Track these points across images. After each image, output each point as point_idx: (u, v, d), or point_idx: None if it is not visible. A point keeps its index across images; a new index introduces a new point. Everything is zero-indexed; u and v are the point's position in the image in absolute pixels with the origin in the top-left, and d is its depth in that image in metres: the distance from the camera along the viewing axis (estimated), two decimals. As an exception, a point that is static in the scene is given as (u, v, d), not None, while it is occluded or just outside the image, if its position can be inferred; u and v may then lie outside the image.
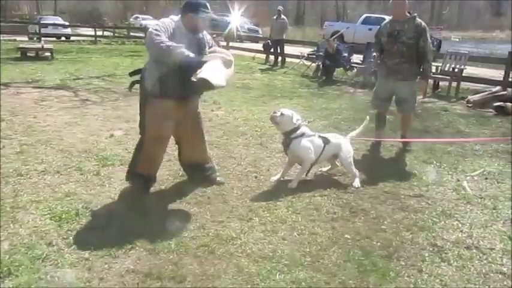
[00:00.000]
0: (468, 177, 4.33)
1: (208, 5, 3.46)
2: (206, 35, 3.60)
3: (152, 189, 3.75)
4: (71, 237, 2.92)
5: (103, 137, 5.22)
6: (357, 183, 3.99)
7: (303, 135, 3.90)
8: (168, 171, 4.19)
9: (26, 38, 20.61)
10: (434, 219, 3.39)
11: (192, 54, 3.21)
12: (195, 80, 3.20)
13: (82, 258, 2.68)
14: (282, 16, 13.49)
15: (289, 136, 3.89)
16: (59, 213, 3.22)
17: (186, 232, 3.05)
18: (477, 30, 44.59)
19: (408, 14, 4.77)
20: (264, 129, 5.83)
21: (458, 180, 4.25)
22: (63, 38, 23.04)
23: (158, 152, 3.61)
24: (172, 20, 3.38)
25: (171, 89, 3.35)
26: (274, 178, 4.06)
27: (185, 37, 3.33)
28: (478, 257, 2.86)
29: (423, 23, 4.73)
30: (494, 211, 3.58)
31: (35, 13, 33.11)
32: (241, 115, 6.62)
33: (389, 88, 4.97)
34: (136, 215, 3.27)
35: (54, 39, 21.78)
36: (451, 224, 3.32)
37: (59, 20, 25.32)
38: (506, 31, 41.34)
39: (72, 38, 23.31)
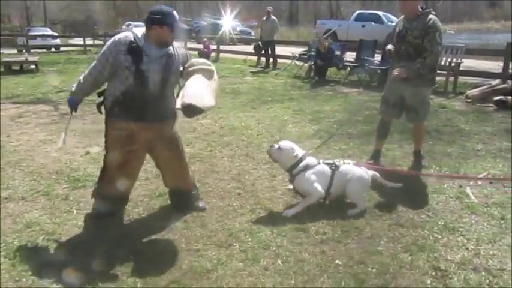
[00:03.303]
0: (471, 182, 3.97)
1: (175, 14, 3.06)
2: (178, 49, 3.17)
3: (125, 212, 3.41)
4: (23, 279, 2.56)
5: (78, 155, 4.87)
6: (354, 211, 3.38)
7: (306, 168, 3.40)
8: (145, 191, 3.85)
9: (15, 51, 20.29)
10: (435, 235, 3.03)
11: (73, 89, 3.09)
12: (179, 108, 2.87)
13: (32, 306, 2.33)
14: (272, 17, 13.16)
15: (291, 172, 3.44)
16: (15, 250, 2.87)
17: (157, 265, 2.69)
18: (472, 22, 44.24)
19: (421, 10, 4.04)
20: (251, 138, 5.48)
21: (461, 186, 3.89)
22: (53, 49, 22.72)
23: (121, 176, 3.22)
24: (133, 34, 3.01)
25: (132, 110, 3.00)
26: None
27: (146, 54, 2.97)
28: (487, 281, 2.51)
29: (433, 20, 3.93)
30: (502, 222, 3.22)
31: (26, 25, 32.77)
32: (228, 123, 6.27)
33: (398, 93, 4.23)
34: (101, 246, 2.92)
35: (44, 50, 21.55)
36: (455, 240, 2.96)
37: (48, 31, 24.97)
38: (501, 21, 40.99)
39: (62, 49, 22.98)
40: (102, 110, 3.17)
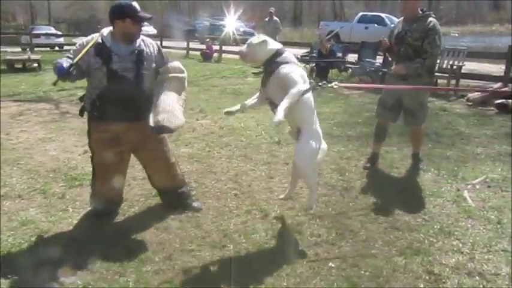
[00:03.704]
0: (469, 186, 3.95)
1: (135, 5, 2.98)
2: (150, 45, 3.11)
3: (120, 212, 3.41)
4: (14, 277, 2.56)
5: (76, 154, 4.87)
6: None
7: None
8: (141, 190, 3.84)
9: (19, 49, 20.34)
10: (431, 238, 3.01)
11: (65, 63, 2.78)
12: (152, 125, 2.85)
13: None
14: (274, 18, 13.14)
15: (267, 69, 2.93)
16: (9, 247, 2.87)
17: (149, 265, 2.69)
18: (476, 25, 44.06)
19: (420, 12, 4.01)
20: (250, 139, 5.47)
21: (459, 190, 3.87)
22: (56, 48, 22.75)
23: (111, 177, 3.21)
24: (102, 34, 3.00)
25: (111, 111, 2.99)
26: (281, 196, 3.52)
27: (115, 53, 2.95)
28: (481, 286, 2.49)
29: (433, 23, 3.90)
30: (498, 226, 3.20)
31: (30, 24, 32.84)
32: (227, 124, 6.25)
33: (395, 96, 4.18)
34: (94, 245, 2.91)
35: (48, 49, 21.59)
36: (451, 244, 2.94)
37: (52, 30, 25.02)
38: (506, 24, 40.81)
39: (66, 48, 22.99)
40: (85, 114, 3.18)
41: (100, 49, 2.94)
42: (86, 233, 3.11)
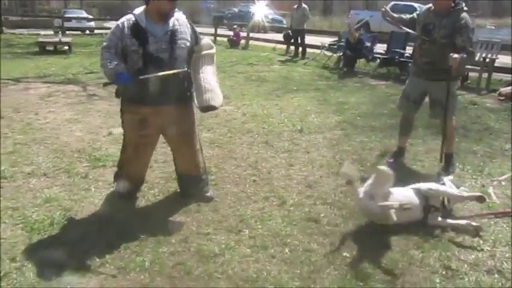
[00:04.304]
0: (495, 182, 3.84)
1: None
2: (184, 24, 3.06)
3: (140, 194, 3.46)
4: (38, 252, 2.65)
5: (101, 135, 4.97)
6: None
7: None
8: (162, 173, 3.90)
9: (51, 32, 20.77)
10: (451, 234, 2.94)
11: (119, 68, 2.81)
12: (198, 105, 3.00)
13: (43, 277, 2.40)
14: (303, 5, 12.93)
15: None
16: (32, 223, 2.97)
17: (166, 246, 2.73)
18: (504, 18, 42.27)
19: (453, 4, 3.74)
20: (272, 126, 5.45)
21: (483, 186, 3.77)
22: (87, 32, 23.14)
23: (137, 158, 3.27)
24: (133, 15, 2.95)
25: (143, 94, 2.96)
26: None
27: (151, 34, 2.91)
28: (500, 284, 2.43)
29: (465, 20, 3.67)
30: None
31: (63, 7, 33.44)
32: (251, 110, 6.25)
33: (421, 88, 4.04)
34: (115, 224, 2.98)
35: (79, 32, 21.96)
36: (471, 240, 2.87)
37: (83, 14, 25.42)
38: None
39: (96, 32, 23.37)
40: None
41: (136, 30, 2.90)
42: (107, 212, 3.18)
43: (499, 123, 5.87)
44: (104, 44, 2.96)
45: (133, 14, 2.96)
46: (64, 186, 3.61)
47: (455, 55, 3.57)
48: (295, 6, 13.04)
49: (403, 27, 4.17)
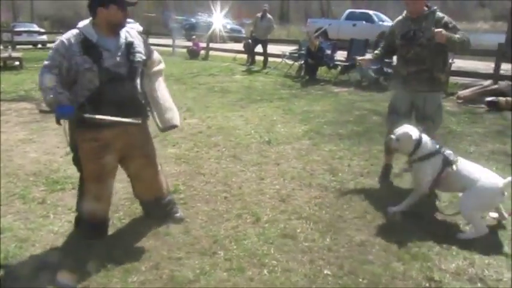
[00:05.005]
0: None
1: None
2: (136, 37, 2.82)
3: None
4: (-11, 291, 2.39)
5: (58, 156, 4.67)
6: (463, 236, 2.99)
7: (424, 158, 3.18)
8: (126, 194, 3.66)
9: (1, 47, 19.83)
10: (429, 242, 2.89)
11: (63, 98, 2.52)
12: (161, 125, 2.91)
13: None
14: (268, 15, 12.81)
15: (410, 157, 3.26)
16: (-16, 258, 2.69)
17: (135, 275, 2.54)
18: (461, 22, 44.40)
19: (426, 8, 3.67)
20: (239, 138, 5.31)
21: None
22: (39, 46, 22.27)
23: (104, 191, 2.91)
24: (79, 29, 2.64)
25: (103, 115, 2.64)
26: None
27: (105, 49, 2.64)
28: (483, 292, 2.39)
29: (445, 16, 3.62)
30: (498, 229, 3.10)
31: (12, 21, 32.12)
32: (216, 123, 6.10)
33: (407, 101, 3.83)
34: (77, 254, 2.74)
35: (30, 46, 21.11)
36: (449, 248, 2.83)
37: (34, 27, 24.49)
38: (490, 22, 41.22)
39: (49, 46, 22.54)
40: (62, 121, 2.70)
41: (86, 46, 2.60)
42: (67, 242, 2.94)
43: (461, 126, 5.99)
44: (46, 62, 2.59)
45: (79, 29, 2.66)
46: (19, 214, 3.32)
47: (439, 30, 3.45)
48: (259, 15, 12.86)
49: (387, 59, 4.05)
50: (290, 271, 2.56)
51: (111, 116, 2.65)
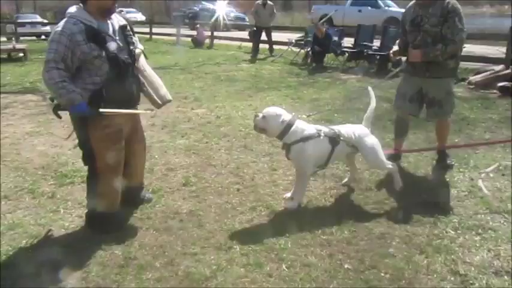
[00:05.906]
0: (483, 175, 3.76)
1: None
2: (123, 20, 2.84)
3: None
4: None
5: (66, 148, 4.59)
6: (398, 182, 3.43)
7: (302, 139, 3.06)
8: (137, 187, 3.60)
9: (4, 39, 19.74)
10: (451, 233, 2.81)
11: (79, 100, 2.52)
12: (159, 101, 2.98)
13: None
14: (269, 2, 12.64)
15: (283, 140, 3.14)
16: (-5, 255, 2.63)
17: (150, 272, 2.47)
18: (466, 6, 43.76)
19: None
20: (249, 128, 5.19)
21: (472, 179, 3.68)
22: (43, 37, 22.13)
23: (117, 181, 2.87)
24: (75, 17, 2.55)
25: (115, 101, 2.67)
26: (288, 195, 3.33)
27: (107, 34, 2.64)
28: (511, 286, 2.30)
29: (451, 3, 3.52)
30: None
31: (15, 13, 31.95)
32: (224, 113, 6.00)
33: (416, 86, 3.81)
34: (90, 251, 2.67)
35: (34, 38, 20.99)
36: (472, 239, 2.75)
37: (37, 18, 24.32)
38: (496, 5, 40.55)
39: (52, 36, 22.38)
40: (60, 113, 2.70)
41: (91, 33, 2.55)
42: (79, 237, 2.87)
43: (474, 113, 5.86)
44: (49, 56, 2.48)
45: (75, 17, 2.57)
46: (29, 209, 3.26)
47: (415, 50, 3.61)
48: (260, 3, 12.68)
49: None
50: (310, 266, 2.48)
51: (123, 103, 2.74)
